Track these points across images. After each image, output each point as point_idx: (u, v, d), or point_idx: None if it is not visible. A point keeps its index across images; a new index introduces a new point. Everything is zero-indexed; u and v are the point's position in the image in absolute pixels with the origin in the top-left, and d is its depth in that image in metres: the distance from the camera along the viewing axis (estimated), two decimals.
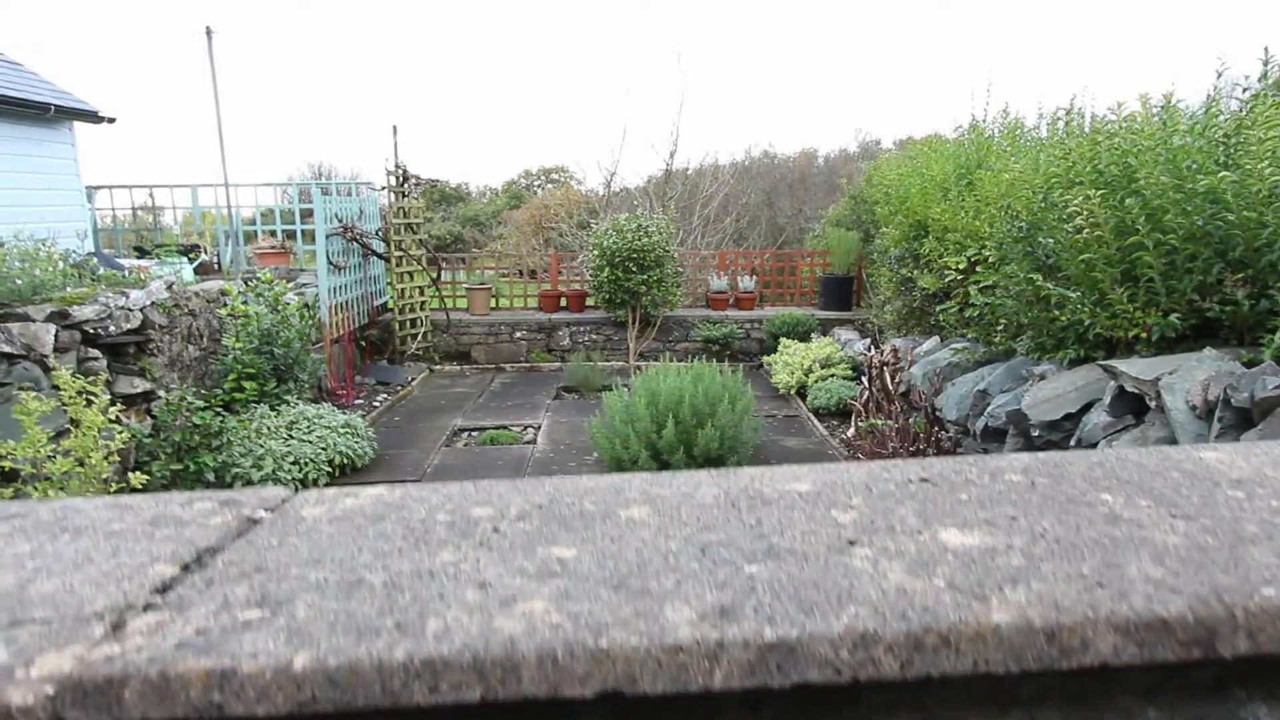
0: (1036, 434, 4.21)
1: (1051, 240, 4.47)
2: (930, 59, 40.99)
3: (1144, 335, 3.99)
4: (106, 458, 4.55)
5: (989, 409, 4.69)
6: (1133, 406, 3.74)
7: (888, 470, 1.09)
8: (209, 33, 9.77)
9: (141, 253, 9.77)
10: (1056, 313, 4.46)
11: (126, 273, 6.43)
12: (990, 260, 5.45)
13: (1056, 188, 4.74)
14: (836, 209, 12.37)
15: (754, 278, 11.44)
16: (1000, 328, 5.39)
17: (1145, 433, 3.54)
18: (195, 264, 9.66)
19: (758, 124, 42.65)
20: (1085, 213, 4.09)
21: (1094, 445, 3.82)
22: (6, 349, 4.67)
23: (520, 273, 12.67)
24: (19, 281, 5.14)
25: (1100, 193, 4.13)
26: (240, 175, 54.22)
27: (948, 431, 5.22)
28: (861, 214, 11.22)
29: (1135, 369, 3.65)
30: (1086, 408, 4.03)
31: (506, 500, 1.04)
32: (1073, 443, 3.98)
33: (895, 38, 40.58)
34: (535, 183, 31.74)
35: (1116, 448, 1.10)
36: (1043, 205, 4.83)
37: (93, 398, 4.60)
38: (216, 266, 10.46)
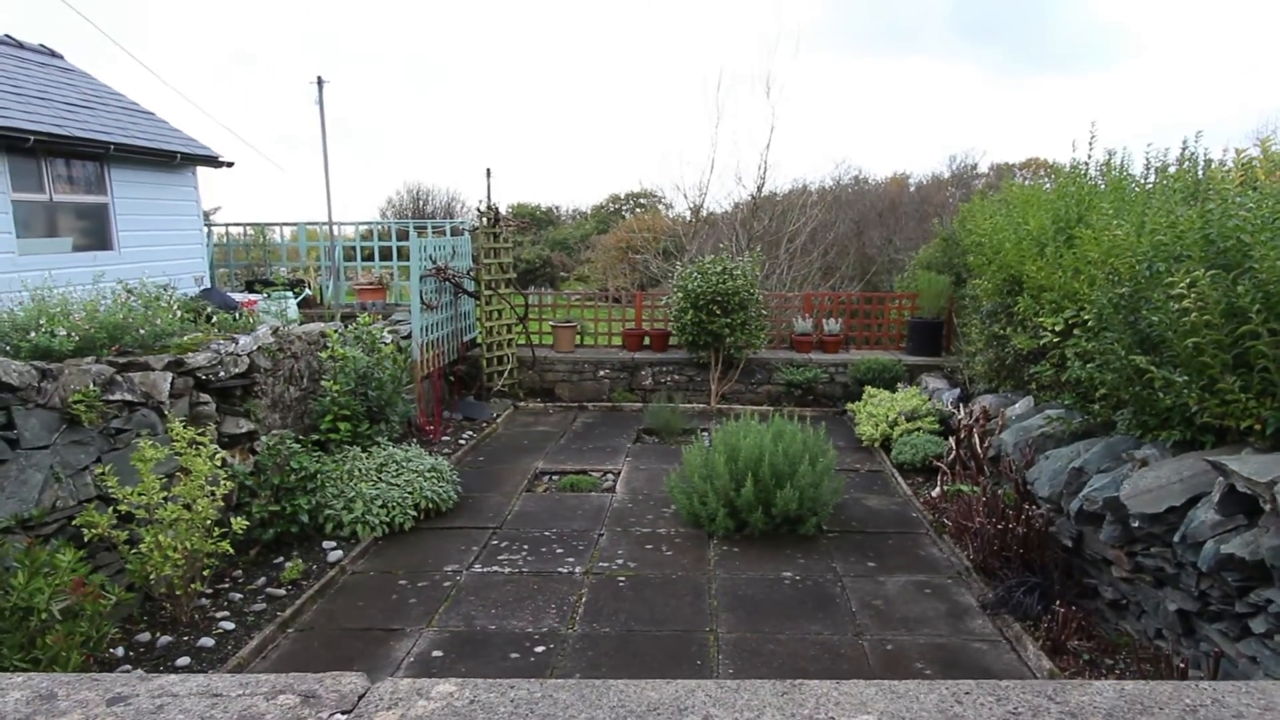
0: (1136, 525, 3.99)
1: (1156, 317, 4.25)
2: (1027, 75, 39.71)
3: (1258, 427, 3.75)
4: (212, 503, 4.83)
5: (1085, 491, 4.48)
6: (1244, 506, 3.51)
7: (960, 701, 1.06)
8: (320, 82, 10.34)
9: (250, 287, 10.36)
10: (1161, 395, 4.23)
11: (237, 313, 6.83)
12: (1089, 325, 5.22)
13: (1163, 258, 4.51)
14: (927, 251, 12.05)
15: (839, 320, 11.26)
16: (1099, 396, 5.14)
17: (1259, 539, 3.31)
18: (299, 298, 10.20)
19: (848, 146, 42.13)
20: (1193, 295, 3.88)
21: (1200, 544, 3.60)
22: (129, 397, 5.02)
23: (606, 296, 12.93)
24: (142, 331, 5.52)
25: (1211, 273, 3.90)
26: (343, 202, 56.86)
27: (1038, 507, 5.00)
28: (953, 256, 10.90)
29: (1248, 468, 3.42)
30: (1192, 501, 3.79)
31: (572, 717, 1.07)
32: (1176, 538, 3.75)
33: (992, 54, 39.51)
34: (623, 207, 32.15)
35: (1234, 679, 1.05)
36: (1148, 275, 4.59)
37: (201, 446, 4.91)
38: (319, 301, 11.01)
